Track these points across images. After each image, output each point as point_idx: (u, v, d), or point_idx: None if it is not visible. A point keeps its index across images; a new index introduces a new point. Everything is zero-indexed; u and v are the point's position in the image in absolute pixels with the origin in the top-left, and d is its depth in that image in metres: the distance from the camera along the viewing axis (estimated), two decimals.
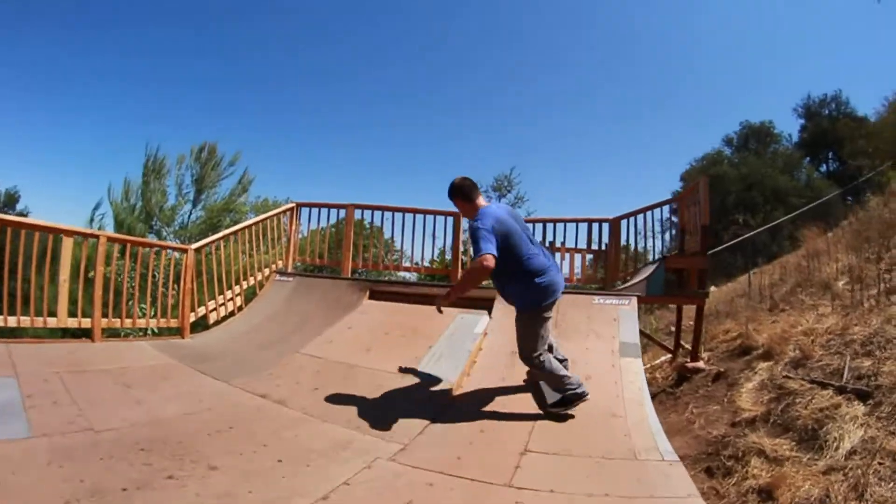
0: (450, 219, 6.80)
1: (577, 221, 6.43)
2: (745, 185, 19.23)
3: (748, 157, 21.51)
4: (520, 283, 3.07)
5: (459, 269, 6.71)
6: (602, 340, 4.06)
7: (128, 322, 5.26)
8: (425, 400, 3.50)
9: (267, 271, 6.50)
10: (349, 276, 6.79)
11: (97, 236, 5.02)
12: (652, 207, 6.04)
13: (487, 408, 3.37)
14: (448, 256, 7.54)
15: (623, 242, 6.43)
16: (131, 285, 6.64)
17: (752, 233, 13.00)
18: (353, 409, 3.28)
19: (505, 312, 4.60)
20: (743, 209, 17.88)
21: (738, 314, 6.60)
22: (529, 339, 3.11)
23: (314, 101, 47.31)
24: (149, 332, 6.06)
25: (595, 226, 6.43)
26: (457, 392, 3.62)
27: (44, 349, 4.08)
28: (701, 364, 4.96)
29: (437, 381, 3.76)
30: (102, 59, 37.67)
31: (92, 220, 9.23)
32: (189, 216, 10.45)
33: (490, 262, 2.78)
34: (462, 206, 3.21)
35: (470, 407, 3.39)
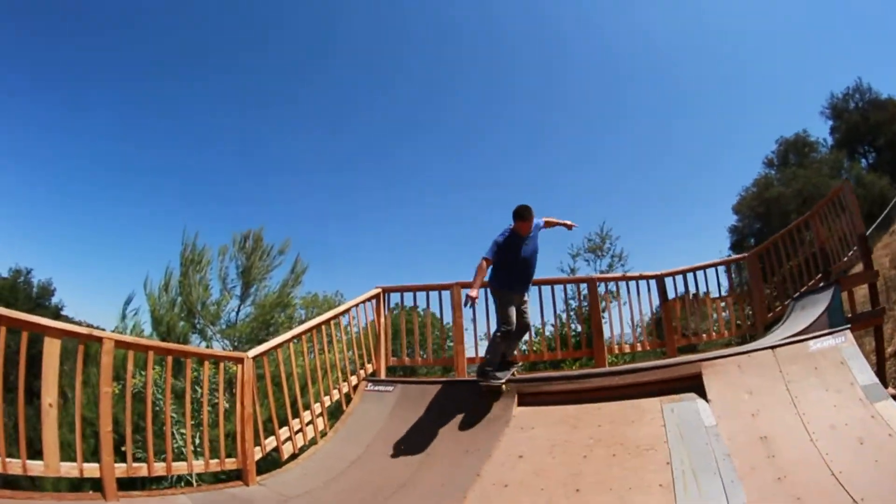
0: (582, 285, 5.83)
1: (715, 266, 5.91)
2: (802, 201, 17.73)
3: (796, 171, 20.42)
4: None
5: (605, 344, 5.47)
6: (842, 393, 3.18)
7: (159, 467, 3.42)
8: None
9: (354, 379, 4.68)
10: (466, 376, 4.95)
11: (99, 339, 3.25)
12: (788, 230, 5.49)
13: None
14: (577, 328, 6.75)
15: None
16: (158, 408, 4.74)
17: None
18: None
19: (722, 390, 3.31)
20: (806, 225, 16.58)
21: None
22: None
23: (342, 187, 45.92)
24: (193, 478, 4.14)
25: (733, 267, 6.06)
26: None
27: None
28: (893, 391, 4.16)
29: None
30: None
31: (124, 316, 7.54)
32: (237, 313, 8.85)
33: None
34: (528, 223, 3.94)
35: None
